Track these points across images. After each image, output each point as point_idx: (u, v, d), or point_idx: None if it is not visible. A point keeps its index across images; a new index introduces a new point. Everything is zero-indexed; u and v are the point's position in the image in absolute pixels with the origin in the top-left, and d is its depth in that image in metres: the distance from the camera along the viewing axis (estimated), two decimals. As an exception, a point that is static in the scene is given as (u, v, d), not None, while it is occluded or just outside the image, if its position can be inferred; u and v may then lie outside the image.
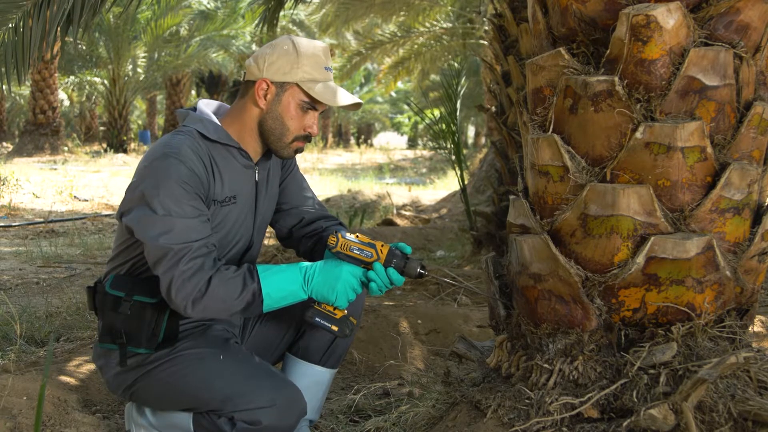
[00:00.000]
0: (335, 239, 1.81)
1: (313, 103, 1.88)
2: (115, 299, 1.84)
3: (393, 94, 30.94)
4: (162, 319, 1.84)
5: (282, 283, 1.77)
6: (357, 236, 1.82)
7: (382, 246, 1.81)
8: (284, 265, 1.82)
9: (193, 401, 1.84)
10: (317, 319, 1.83)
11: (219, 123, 1.89)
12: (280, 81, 1.85)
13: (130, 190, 1.80)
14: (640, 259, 1.61)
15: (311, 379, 2.08)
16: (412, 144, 36.73)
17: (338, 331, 1.83)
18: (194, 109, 1.94)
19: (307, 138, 1.92)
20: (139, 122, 31.95)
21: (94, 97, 22.81)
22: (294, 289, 1.78)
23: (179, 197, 1.73)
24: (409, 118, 36.89)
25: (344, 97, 1.88)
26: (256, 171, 1.96)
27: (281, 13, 5.53)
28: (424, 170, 18.12)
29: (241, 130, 1.90)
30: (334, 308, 1.83)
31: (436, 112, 6.59)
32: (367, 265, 1.81)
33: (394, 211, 8.49)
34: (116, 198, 9.33)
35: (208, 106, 1.95)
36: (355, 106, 1.92)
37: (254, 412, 1.76)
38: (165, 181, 1.73)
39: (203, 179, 1.79)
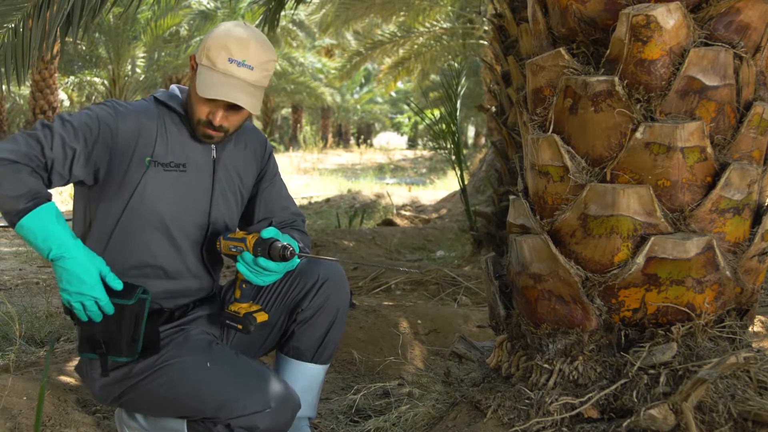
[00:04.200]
0: (219, 243, 1.90)
1: None
2: None
3: (393, 94, 30.87)
4: (140, 322, 1.79)
5: (39, 233, 1.68)
6: (234, 234, 1.88)
7: (252, 237, 1.85)
8: (64, 227, 1.71)
9: (186, 410, 1.82)
10: (227, 321, 1.92)
11: (179, 96, 1.93)
12: (198, 62, 1.84)
13: None
14: (640, 259, 1.61)
15: (305, 377, 2.08)
16: (412, 144, 36.65)
17: (243, 329, 1.89)
18: None
19: (212, 126, 1.85)
20: (139, 122, 31.86)
21: (94, 97, 22.80)
22: (42, 248, 1.70)
23: (80, 117, 1.78)
24: (409, 118, 36.82)
25: (221, 93, 1.77)
26: (213, 149, 1.95)
27: (281, 14, 5.52)
28: (424, 170, 18.10)
29: (186, 104, 1.91)
30: (237, 307, 1.90)
31: (436, 112, 6.59)
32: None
33: (394, 211, 8.48)
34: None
35: (179, 87, 1.98)
36: (237, 108, 1.83)
37: (250, 418, 1.74)
38: (86, 109, 1.81)
39: (128, 135, 1.81)
